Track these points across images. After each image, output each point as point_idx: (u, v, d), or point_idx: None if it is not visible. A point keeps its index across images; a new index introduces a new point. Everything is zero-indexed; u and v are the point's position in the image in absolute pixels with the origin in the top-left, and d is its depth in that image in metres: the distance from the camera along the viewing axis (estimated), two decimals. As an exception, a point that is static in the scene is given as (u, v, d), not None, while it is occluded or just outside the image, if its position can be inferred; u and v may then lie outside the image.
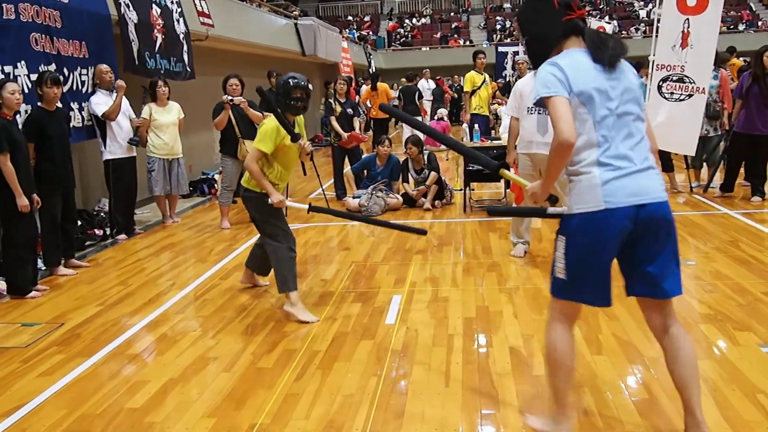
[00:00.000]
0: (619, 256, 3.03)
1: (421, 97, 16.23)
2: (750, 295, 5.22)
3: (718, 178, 9.38)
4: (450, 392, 3.84)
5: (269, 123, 5.08)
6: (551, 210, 3.49)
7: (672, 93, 8.33)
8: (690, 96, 8.25)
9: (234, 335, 4.92)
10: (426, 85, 20.48)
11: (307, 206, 5.55)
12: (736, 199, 8.85)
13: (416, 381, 4.01)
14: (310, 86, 5.23)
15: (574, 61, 2.95)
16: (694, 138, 8.34)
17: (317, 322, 5.05)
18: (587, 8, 31.61)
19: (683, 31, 8.22)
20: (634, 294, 3.14)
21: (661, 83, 8.37)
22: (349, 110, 10.42)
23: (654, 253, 3.00)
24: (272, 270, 5.35)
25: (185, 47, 10.66)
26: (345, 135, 10.14)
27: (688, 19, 8.16)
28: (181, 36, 10.52)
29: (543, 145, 6.27)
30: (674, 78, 8.29)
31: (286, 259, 5.19)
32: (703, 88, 8.23)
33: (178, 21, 10.41)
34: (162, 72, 9.66)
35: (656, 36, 8.48)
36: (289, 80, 5.13)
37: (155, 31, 9.65)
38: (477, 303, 5.33)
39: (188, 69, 10.71)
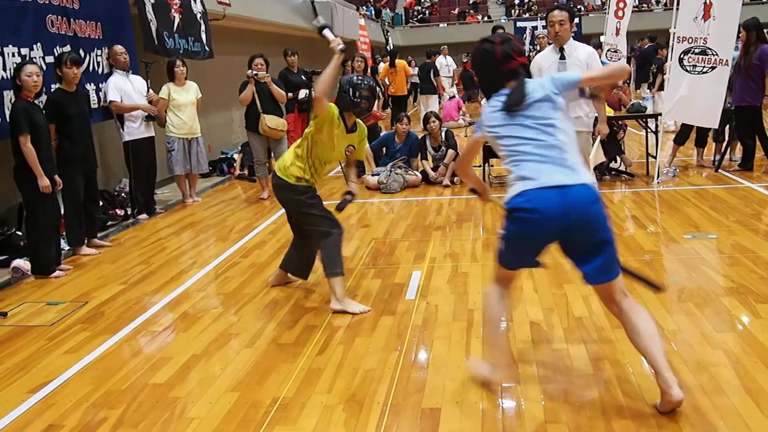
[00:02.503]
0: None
1: (437, 74, 16.13)
2: (773, 267, 5.18)
3: (739, 153, 9.34)
4: (470, 367, 3.86)
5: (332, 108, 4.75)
6: None
7: (694, 66, 8.20)
8: (713, 68, 8.13)
9: (255, 312, 4.96)
10: (444, 62, 20.34)
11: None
12: (758, 173, 8.76)
13: (436, 355, 4.03)
14: (379, 89, 5.06)
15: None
16: (718, 111, 8.23)
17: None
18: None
19: (705, 3, 8.07)
20: None
21: (682, 56, 8.25)
22: (367, 88, 10.35)
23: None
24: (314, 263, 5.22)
25: (203, 26, 10.66)
26: (361, 114, 10.09)
27: (710, -10, 8.04)
28: (198, 15, 10.52)
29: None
30: (696, 50, 8.16)
31: (335, 243, 4.88)
32: (727, 60, 8.10)
33: (194, 0, 10.40)
34: (181, 52, 9.68)
35: (677, 8, 8.35)
36: (356, 78, 4.84)
37: (172, 10, 9.65)
38: (497, 278, 5.32)
39: (206, 48, 10.72)
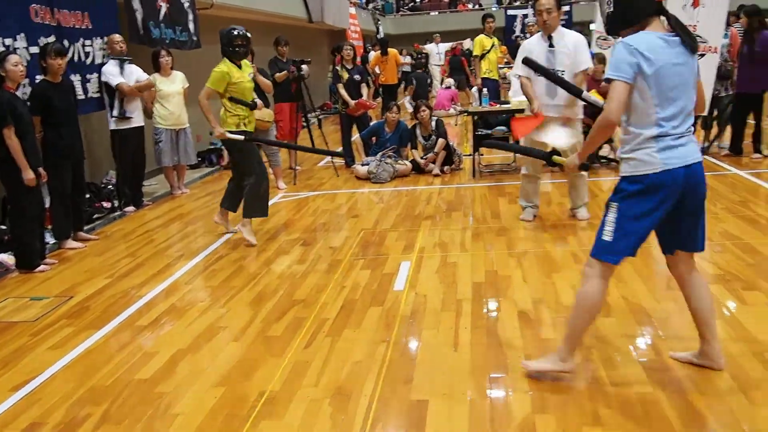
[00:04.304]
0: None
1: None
2: (759, 254, 5.16)
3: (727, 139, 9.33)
4: (458, 357, 3.83)
5: (223, 65, 6.21)
6: (557, 158, 4.01)
7: (683, 52, 8.17)
8: (702, 55, 8.09)
9: (243, 305, 4.92)
10: (436, 50, 20.27)
11: (243, 137, 6.29)
12: (746, 159, 8.75)
13: (425, 346, 4.01)
14: (249, 34, 6.32)
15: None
16: (707, 98, 8.20)
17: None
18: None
19: (695, -10, 8.06)
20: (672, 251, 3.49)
21: (671, 42, 8.21)
22: (357, 77, 10.32)
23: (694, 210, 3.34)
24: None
25: (190, 16, 10.55)
26: (352, 102, 10.05)
27: (699, -23, 8.00)
28: (186, 5, 10.41)
29: (552, 108, 6.20)
30: (685, 37, 8.13)
31: (258, 193, 6.31)
32: (716, 48, 8.08)
33: (182, -10, 10.29)
34: (167, 41, 9.59)
35: (667, -5, 8.31)
36: (231, 30, 6.23)
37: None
38: (486, 268, 5.30)
39: (194, 38, 10.62)
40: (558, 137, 6.22)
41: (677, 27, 3.19)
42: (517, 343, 3.96)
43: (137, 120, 8.24)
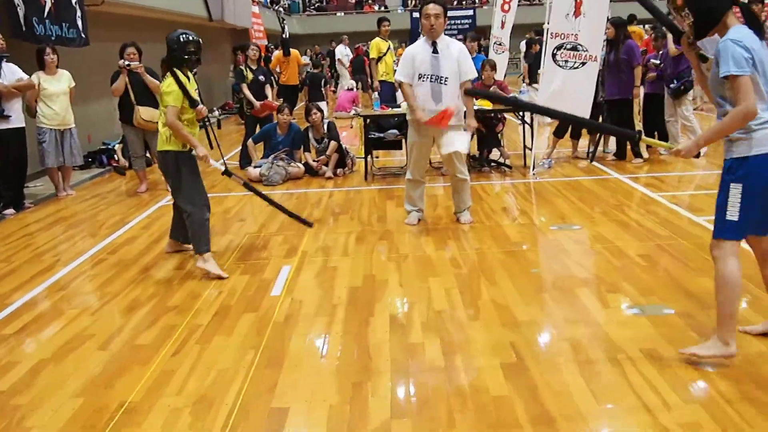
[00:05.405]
0: None
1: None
2: (626, 257, 5.40)
3: (612, 145, 9.77)
4: (325, 363, 3.87)
5: (172, 81, 5.31)
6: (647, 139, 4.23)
7: (566, 61, 8.46)
8: (583, 64, 8.40)
9: (115, 311, 4.82)
10: (344, 51, 20.32)
11: (222, 168, 5.81)
12: (628, 164, 9.13)
13: (293, 353, 4.02)
14: (200, 39, 5.51)
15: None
16: (588, 104, 8.51)
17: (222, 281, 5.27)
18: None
19: (576, 0, 8.34)
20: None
21: (555, 51, 8.49)
22: (261, 77, 10.30)
23: None
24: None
25: (78, 12, 10.25)
26: (257, 103, 10.03)
27: (580, -13, 8.29)
28: (73, 1, 10.10)
29: (437, 113, 6.29)
30: (568, 46, 8.42)
31: (202, 223, 5.45)
32: (596, 56, 8.39)
33: (69, -16, 9.98)
34: (53, 39, 9.29)
35: (551, 4, 8.58)
36: (182, 36, 5.37)
37: (43, -5, 9.23)
38: (365, 272, 5.36)
39: (83, 35, 10.32)
40: (452, 143, 6.36)
41: (749, 17, 3.55)
42: (384, 348, 4.02)
43: (17, 120, 7.95)
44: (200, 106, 5.50)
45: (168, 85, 5.32)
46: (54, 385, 3.77)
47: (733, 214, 3.50)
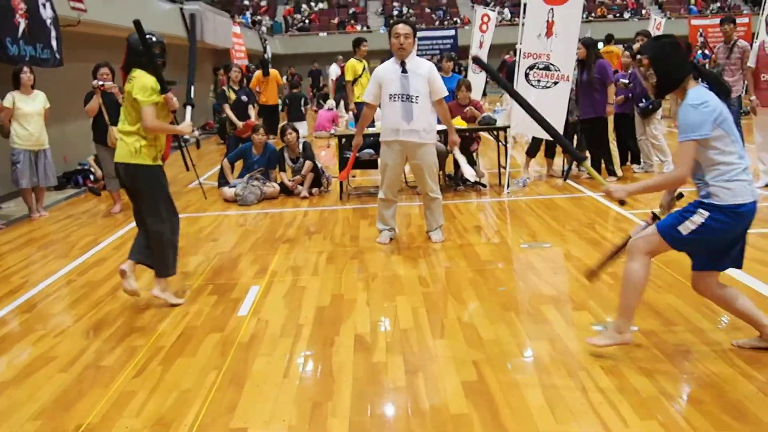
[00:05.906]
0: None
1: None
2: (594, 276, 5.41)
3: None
4: (286, 384, 3.85)
5: (146, 76, 4.96)
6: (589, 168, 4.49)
7: (539, 81, 8.54)
8: (556, 83, 8.48)
9: (80, 333, 4.78)
10: (337, 71, 20.44)
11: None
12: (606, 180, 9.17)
13: (255, 374, 4.00)
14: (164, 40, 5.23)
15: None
16: (560, 124, 8.57)
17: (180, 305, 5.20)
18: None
19: (548, 21, 8.42)
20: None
21: (528, 71, 8.57)
22: (244, 98, 10.35)
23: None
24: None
25: (53, 33, 10.21)
26: (240, 124, 10.06)
27: (552, 9, 8.37)
28: (48, 21, 10.07)
29: (410, 132, 6.33)
30: (540, 66, 8.50)
31: (169, 243, 5.18)
32: (568, 76, 8.47)
33: (44, 5, 9.95)
34: (27, 59, 9.26)
35: (523, 25, 8.67)
36: (147, 37, 4.97)
37: (17, 15, 9.20)
38: (333, 291, 5.35)
39: (57, 56, 10.27)
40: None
41: (710, 78, 3.84)
42: (347, 367, 4.00)
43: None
44: (170, 93, 5.11)
45: (139, 81, 4.92)
46: (11, 408, 3.72)
47: (685, 229, 3.65)
